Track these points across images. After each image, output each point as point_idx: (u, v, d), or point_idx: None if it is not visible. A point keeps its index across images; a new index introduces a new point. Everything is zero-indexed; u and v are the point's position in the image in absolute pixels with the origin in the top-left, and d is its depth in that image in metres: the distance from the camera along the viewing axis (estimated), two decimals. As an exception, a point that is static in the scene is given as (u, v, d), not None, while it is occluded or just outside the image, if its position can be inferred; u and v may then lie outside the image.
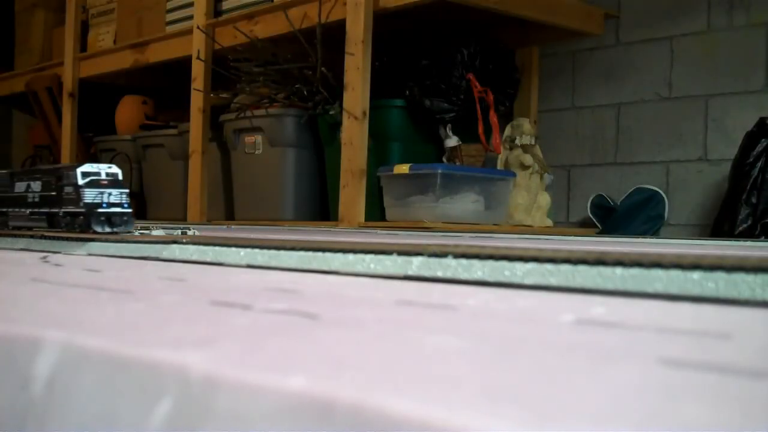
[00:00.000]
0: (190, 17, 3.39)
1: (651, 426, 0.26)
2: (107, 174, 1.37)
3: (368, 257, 1.13)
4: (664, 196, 2.97)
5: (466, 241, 1.48)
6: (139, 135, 3.94)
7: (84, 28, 4.14)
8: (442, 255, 1.04)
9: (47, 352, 0.40)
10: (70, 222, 1.42)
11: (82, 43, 4.13)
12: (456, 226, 2.63)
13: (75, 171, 1.36)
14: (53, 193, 1.44)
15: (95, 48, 4.05)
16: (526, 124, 3.01)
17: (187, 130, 3.40)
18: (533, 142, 2.97)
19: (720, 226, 2.69)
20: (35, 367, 0.40)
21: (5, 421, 0.40)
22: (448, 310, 0.65)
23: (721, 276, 0.78)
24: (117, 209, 1.32)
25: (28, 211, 1.57)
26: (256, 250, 1.31)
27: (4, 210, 1.65)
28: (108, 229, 1.37)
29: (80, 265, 1.22)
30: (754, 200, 2.60)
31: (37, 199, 1.57)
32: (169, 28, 3.59)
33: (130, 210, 1.35)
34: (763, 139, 2.58)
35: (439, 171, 2.68)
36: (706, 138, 2.92)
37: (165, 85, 4.06)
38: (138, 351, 0.38)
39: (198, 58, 3.26)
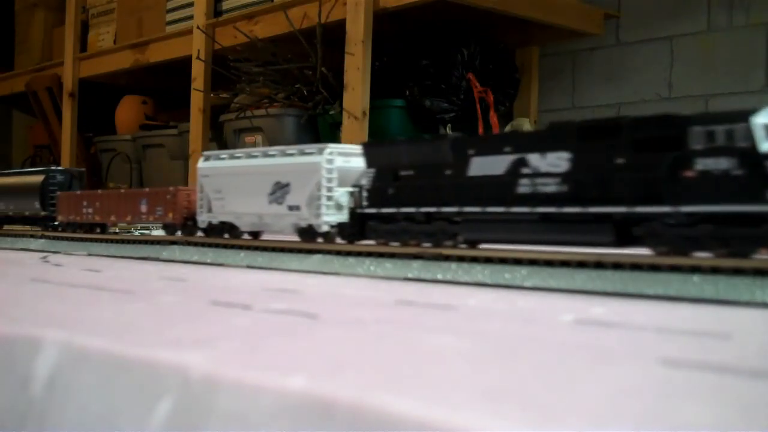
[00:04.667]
0: (190, 17, 3.39)
1: (651, 426, 0.26)
2: None
3: (368, 259, 1.13)
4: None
5: None
6: (139, 135, 3.93)
7: (84, 28, 4.14)
8: (442, 258, 1.04)
9: (47, 352, 0.40)
10: None
11: (82, 43, 4.13)
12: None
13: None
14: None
15: (95, 48, 4.05)
16: (526, 124, 3.01)
17: (187, 130, 3.40)
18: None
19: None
20: (35, 367, 0.40)
21: (5, 421, 0.40)
22: (448, 310, 0.65)
23: (720, 278, 0.78)
24: None
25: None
26: (257, 252, 1.31)
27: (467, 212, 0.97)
28: None
29: (80, 265, 1.22)
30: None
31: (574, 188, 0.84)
32: (169, 28, 3.59)
33: None
34: (763, 140, 2.58)
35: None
36: (706, 138, 2.91)
37: (165, 85, 4.05)
38: (138, 351, 0.38)
39: (198, 58, 3.25)
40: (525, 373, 0.35)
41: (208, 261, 1.30)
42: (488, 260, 0.96)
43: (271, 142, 3.08)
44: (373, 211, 1.12)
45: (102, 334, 0.44)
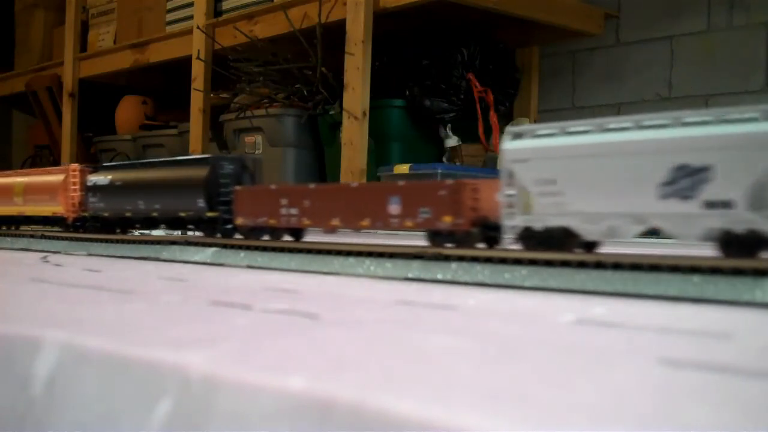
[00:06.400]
0: (190, 17, 3.39)
1: (651, 426, 0.26)
2: None
3: (368, 259, 1.13)
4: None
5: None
6: (139, 135, 3.93)
7: (84, 28, 4.14)
8: (442, 258, 1.04)
9: (47, 352, 0.40)
10: None
11: (82, 43, 4.13)
12: (456, 227, 2.63)
13: None
14: None
15: (95, 48, 4.05)
16: (526, 124, 3.01)
17: (187, 130, 3.40)
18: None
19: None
20: (35, 367, 0.40)
21: (5, 421, 0.40)
22: (448, 310, 0.65)
23: (720, 278, 0.78)
24: None
25: None
26: (257, 251, 1.31)
27: None
28: None
29: (80, 265, 1.22)
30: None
31: None
32: (169, 28, 3.59)
33: None
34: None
35: (439, 171, 2.68)
36: (706, 138, 2.92)
37: (165, 85, 4.06)
38: (138, 351, 0.38)
39: (198, 58, 3.26)
40: (525, 373, 0.35)
41: (208, 261, 1.30)
42: (488, 260, 0.96)
43: (271, 142, 3.08)
44: None
45: (102, 334, 0.44)
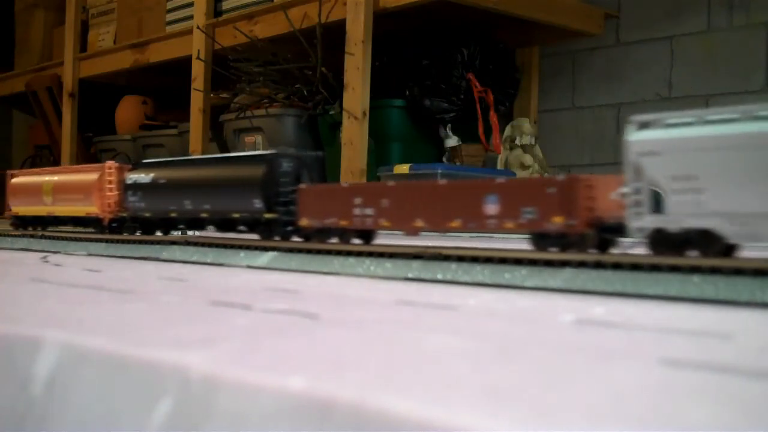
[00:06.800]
0: (190, 17, 3.39)
1: (651, 426, 0.26)
2: None
3: (368, 259, 1.13)
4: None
5: (466, 242, 1.47)
6: (139, 135, 3.93)
7: (84, 28, 4.14)
8: (442, 258, 1.04)
9: (47, 352, 0.40)
10: None
11: (82, 43, 4.13)
12: (456, 227, 2.62)
13: None
14: None
15: (95, 48, 4.05)
16: (526, 124, 3.01)
17: (187, 130, 3.40)
18: (533, 142, 2.97)
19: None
20: (35, 367, 0.40)
21: (5, 421, 0.40)
22: (448, 310, 0.65)
23: (720, 278, 0.78)
24: None
25: None
26: (257, 251, 1.31)
27: None
28: None
29: (80, 265, 1.22)
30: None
31: None
32: (169, 28, 3.59)
33: None
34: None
35: (439, 171, 2.68)
36: (706, 138, 2.92)
37: (165, 85, 4.06)
38: (138, 351, 0.38)
39: (198, 58, 3.25)
40: (525, 373, 0.35)
41: (208, 261, 1.29)
42: (488, 260, 0.96)
43: (271, 142, 3.08)
44: None
45: (102, 334, 0.44)
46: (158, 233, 1.58)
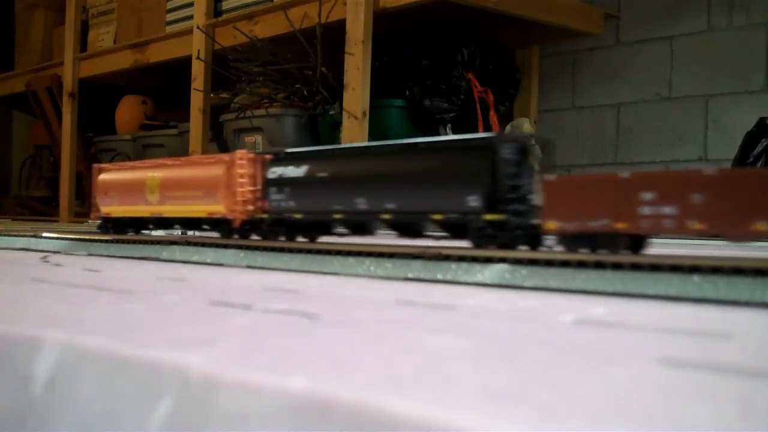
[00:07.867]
0: (190, 17, 3.39)
1: (651, 426, 0.26)
2: None
3: (368, 259, 1.13)
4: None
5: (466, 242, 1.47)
6: (139, 135, 3.93)
7: (84, 28, 4.14)
8: (442, 258, 1.04)
9: (47, 352, 0.40)
10: None
11: (82, 43, 4.13)
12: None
13: None
14: None
15: (95, 48, 4.05)
16: (526, 124, 3.01)
17: (187, 130, 3.40)
18: (533, 142, 2.98)
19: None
20: (35, 367, 0.40)
21: (5, 421, 0.40)
22: (448, 310, 0.65)
23: (720, 278, 0.78)
24: None
25: None
26: (257, 252, 1.31)
27: None
28: None
29: (80, 265, 1.22)
30: (754, 200, 2.59)
31: None
32: (169, 28, 3.59)
33: None
34: (763, 139, 2.58)
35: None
36: (706, 138, 2.92)
37: (165, 85, 4.06)
38: (138, 351, 0.38)
39: (198, 58, 3.26)
40: (525, 372, 0.35)
41: (208, 261, 1.29)
42: (488, 260, 0.96)
43: (271, 142, 3.08)
44: None
45: (102, 334, 0.44)
46: (300, 238, 1.31)
